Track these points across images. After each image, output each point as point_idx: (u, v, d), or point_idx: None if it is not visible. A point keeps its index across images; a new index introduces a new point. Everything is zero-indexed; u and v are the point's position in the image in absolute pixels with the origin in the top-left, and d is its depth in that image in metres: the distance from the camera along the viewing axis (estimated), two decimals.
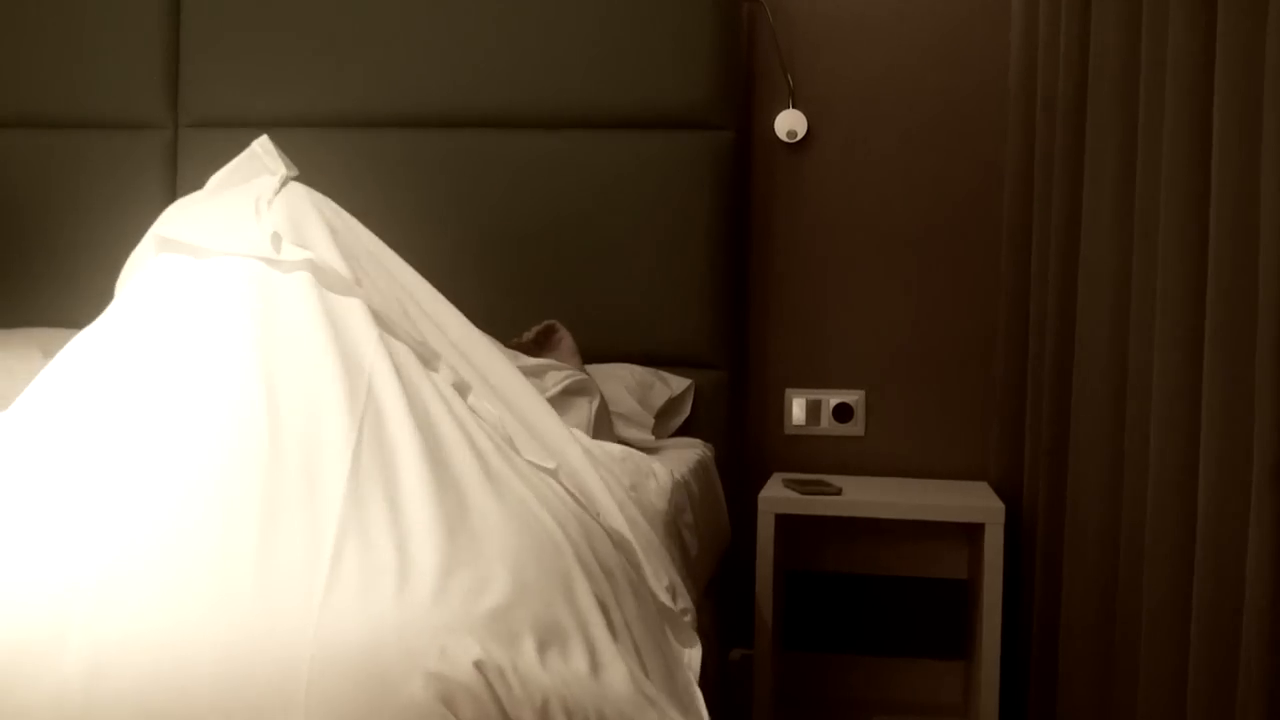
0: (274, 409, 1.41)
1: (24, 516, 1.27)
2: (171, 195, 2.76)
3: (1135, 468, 2.10)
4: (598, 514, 1.58)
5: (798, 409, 2.82)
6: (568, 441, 1.72)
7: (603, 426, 2.16)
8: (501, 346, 1.99)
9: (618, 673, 1.24)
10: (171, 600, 1.14)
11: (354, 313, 1.61)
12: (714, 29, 2.64)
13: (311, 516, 1.25)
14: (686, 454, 2.30)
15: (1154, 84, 2.05)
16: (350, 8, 2.77)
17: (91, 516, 1.25)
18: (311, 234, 1.73)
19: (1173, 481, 1.95)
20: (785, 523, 2.55)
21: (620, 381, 2.47)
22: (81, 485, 1.31)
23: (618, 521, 1.61)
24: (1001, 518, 2.43)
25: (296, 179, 1.88)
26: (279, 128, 2.72)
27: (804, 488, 2.57)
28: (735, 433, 2.76)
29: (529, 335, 2.42)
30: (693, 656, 1.57)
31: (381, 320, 1.63)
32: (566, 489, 1.56)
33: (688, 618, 1.62)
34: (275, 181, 1.83)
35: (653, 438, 2.39)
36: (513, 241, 2.70)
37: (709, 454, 2.46)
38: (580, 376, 2.16)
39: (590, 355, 2.47)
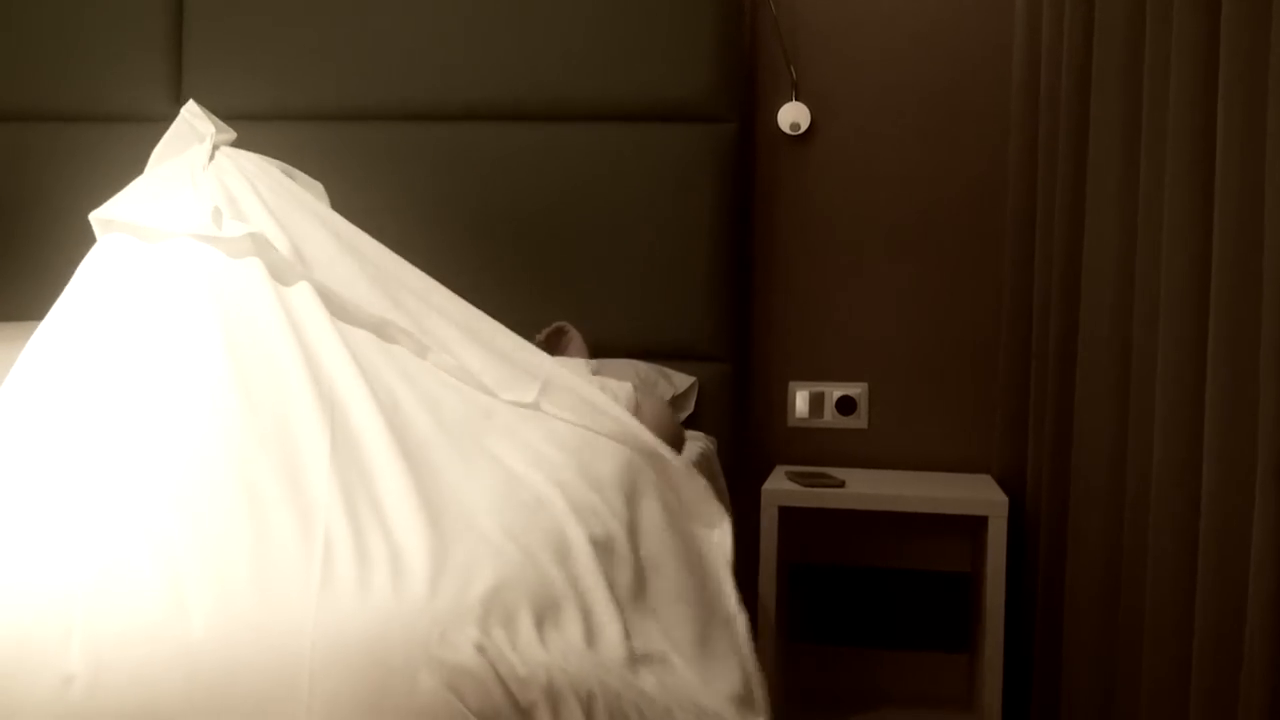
0: (250, 407, 1.44)
1: (21, 514, 1.28)
2: None
3: (1138, 461, 2.09)
4: (603, 414, 1.67)
5: (801, 402, 2.82)
6: (552, 364, 1.78)
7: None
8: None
9: (613, 635, 1.30)
10: (170, 593, 1.15)
11: (306, 301, 1.64)
12: (716, 20, 2.63)
13: (298, 510, 1.27)
14: (689, 447, 2.30)
15: (1158, 75, 2.04)
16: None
17: (87, 513, 1.27)
18: (246, 205, 1.78)
19: (1176, 475, 1.95)
20: (788, 515, 2.55)
21: (624, 378, 2.46)
22: (76, 482, 1.32)
23: (625, 418, 1.70)
24: (1005, 511, 2.43)
25: (234, 144, 1.93)
26: (284, 120, 2.73)
27: (807, 480, 2.57)
28: (738, 425, 2.76)
29: (539, 338, 2.42)
30: (722, 536, 1.71)
31: (331, 301, 1.66)
32: (555, 415, 1.63)
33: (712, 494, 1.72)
34: (207, 147, 1.87)
35: None
36: (515, 235, 2.70)
37: (712, 447, 2.46)
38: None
39: (592, 349, 2.47)
